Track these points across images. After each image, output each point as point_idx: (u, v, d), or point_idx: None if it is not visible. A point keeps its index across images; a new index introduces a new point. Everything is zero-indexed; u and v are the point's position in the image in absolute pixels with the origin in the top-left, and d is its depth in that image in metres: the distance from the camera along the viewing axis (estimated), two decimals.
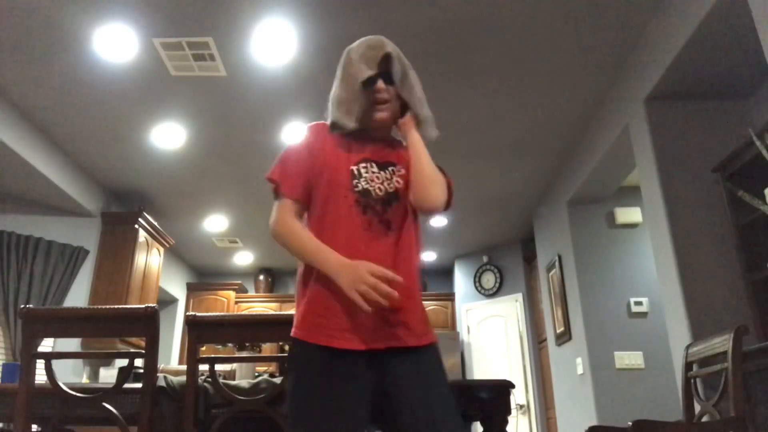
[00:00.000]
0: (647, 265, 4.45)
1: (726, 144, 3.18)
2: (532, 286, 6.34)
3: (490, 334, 6.67)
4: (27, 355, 1.90)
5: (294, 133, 4.18)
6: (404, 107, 1.56)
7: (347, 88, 1.50)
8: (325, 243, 1.41)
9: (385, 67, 1.50)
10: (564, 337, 4.88)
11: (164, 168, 4.75)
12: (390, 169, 1.52)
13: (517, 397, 6.02)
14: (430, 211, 1.50)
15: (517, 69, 3.55)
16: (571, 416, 4.75)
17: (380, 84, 1.49)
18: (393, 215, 1.47)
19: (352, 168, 1.48)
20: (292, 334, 1.41)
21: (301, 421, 1.30)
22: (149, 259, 5.30)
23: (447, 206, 1.56)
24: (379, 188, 1.48)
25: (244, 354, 2.62)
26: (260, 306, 7.26)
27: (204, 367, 2.01)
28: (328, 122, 1.53)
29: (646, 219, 3.73)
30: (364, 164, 1.50)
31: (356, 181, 1.46)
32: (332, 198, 1.45)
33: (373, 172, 1.49)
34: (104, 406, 1.89)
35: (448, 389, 1.39)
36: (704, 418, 2.37)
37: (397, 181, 1.51)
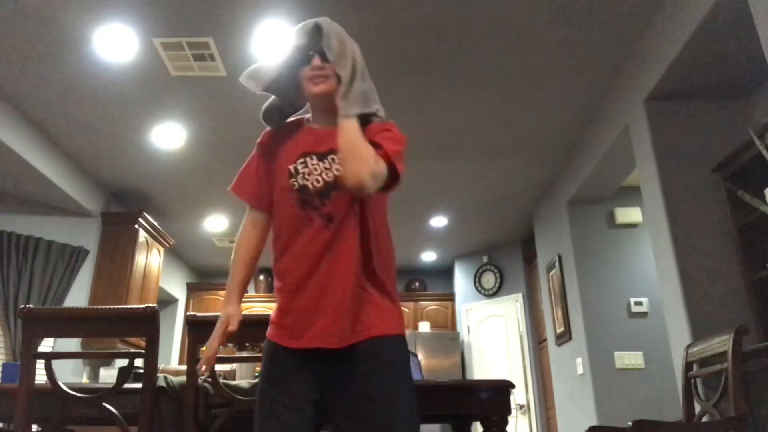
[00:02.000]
0: (647, 265, 4.45)
1: (726, 144, 3.18)
2: (532, 286, 6.34)
3: (490, 334, 6.67)
4: (27, 355, 1.90)
5: None
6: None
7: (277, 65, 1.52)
8: (276, 247, 1.48)
9: (317, 42, 1.45)
10: (564, 337, 4.88)
11: (164, 168, 4.75)
12: (330, 157, 1.44)
13: (517, 397, 6.02)
14: (353, 189, 1.33)
15: (517, 69, 3.55)
16: (571, 416, 4.75)
17: (316, 60, 1.45)
18: (333, 207, 1.40)
19: (289, 167, 1.47)
20: None
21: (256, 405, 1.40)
22: (149, 259, 5.30)
23: (390, 185, 1.39)
24: (316, 180, 1.43)
25: (244, 354, 2.62)
26: (260, 306, 7.26)
27: None
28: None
29: (646, 219, 3.72)
30: (302, 159, 1.46)
31: (293, 179, 1.45)
32: (279, 201, 1.49)
33: (313, 165, 1.45)
34: (104, 406, 1.89)
35: (388, 390, 1.32)
36: (704, 418, 2.38)
37: (337, 169, 1.41)
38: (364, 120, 1.41)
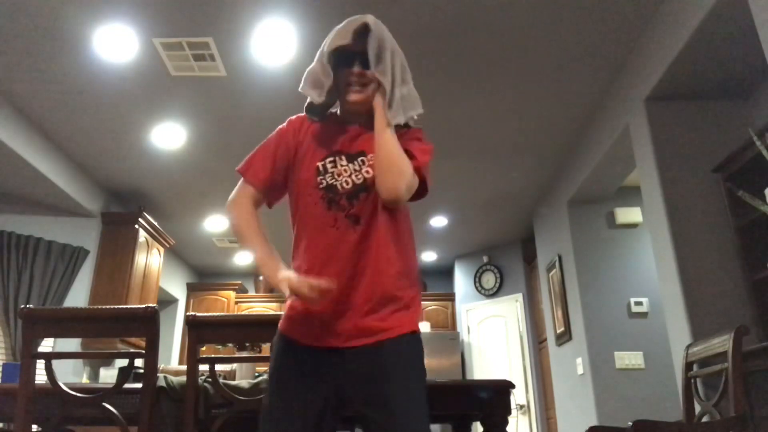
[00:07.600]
0: (647, 265, 4.45)
1: (726, 144, 3.18)
2: (532, 286, 6.34)
3: (490, 334, 6.67)
4: (27, 355, 1.90)
5: None
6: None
7: (319, 61, 1.47)
8: (299, 243, 1.45)
9: (361, 43, 1.42)
10: (564, 337, 4.88)
11: (164, 168, 4.75)
12: (360, 159, 1.44)
13: (517, 397, 6.02)
14: (388, 201, 1.37)
15: (518, 69, 3.55)
16: (571, 416, 4.75)
17: (356, 67, 1.43)
18: (361, 208, 1.40)
19: (318, 164, 1.45)
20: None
21: (266, 401, 1.38)
22: (149, 260, 5.30)
23: (417, 196, 1.42)
24: (346, 182, 1.42)
25: (244, 354, 2.62)
26: (260, 306, 7.25)
27: (204, 367, 2.01)
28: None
29: (646, 219, 3.72)
30: (331, 158, 1.45)
31: (321, 177, 1.43)
32: (302, 196, 1.46)
33: (342, 165, 1.44)
34: (104, 406, 1.89)
35: (409, 389, 1.31)
36: (704, 418, 2.37)
37: (366, 172, 1.42)
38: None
